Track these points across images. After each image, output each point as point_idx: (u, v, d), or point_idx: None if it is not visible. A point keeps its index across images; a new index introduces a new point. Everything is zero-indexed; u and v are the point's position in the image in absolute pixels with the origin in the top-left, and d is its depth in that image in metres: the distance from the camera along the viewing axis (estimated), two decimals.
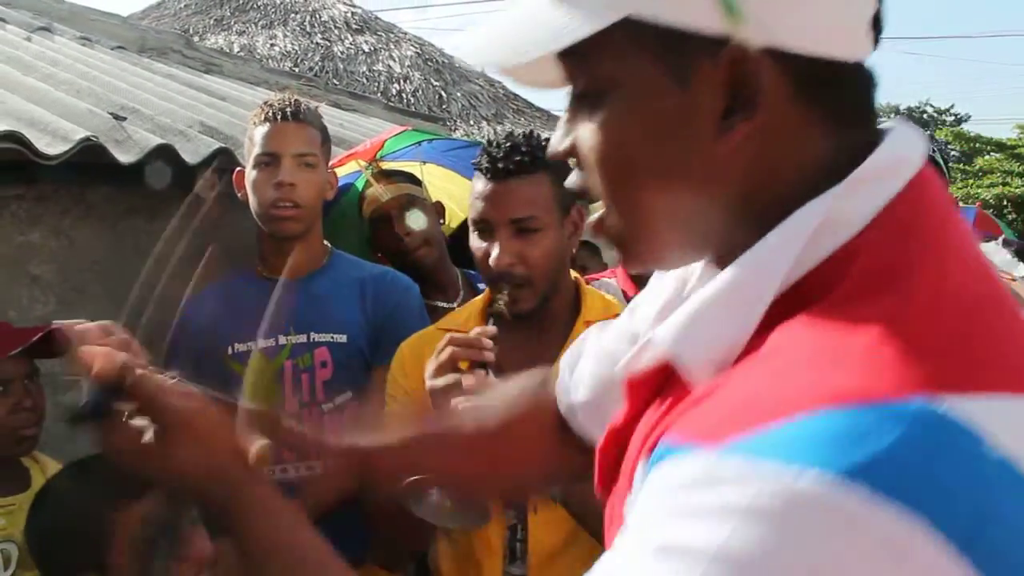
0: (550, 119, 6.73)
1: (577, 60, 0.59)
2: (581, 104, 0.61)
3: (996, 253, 2.17)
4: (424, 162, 2.51)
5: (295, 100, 1.82)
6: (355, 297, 1.87)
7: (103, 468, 0.87)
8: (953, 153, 30.62)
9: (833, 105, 0.56)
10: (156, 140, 1.96)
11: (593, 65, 0.58)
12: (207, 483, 0.75)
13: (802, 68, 0.54)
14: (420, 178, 2.28)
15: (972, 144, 23.60)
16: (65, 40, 3.14)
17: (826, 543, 0.44)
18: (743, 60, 0.53)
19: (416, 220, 2.12)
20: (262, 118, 1.79)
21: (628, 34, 0.55)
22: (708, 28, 0.53)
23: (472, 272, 2.38)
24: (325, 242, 1.94)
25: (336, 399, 1.82)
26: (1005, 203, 20.94)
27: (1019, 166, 21.38)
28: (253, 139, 1.80)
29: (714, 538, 0.44)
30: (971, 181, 22.62)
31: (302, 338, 1.81)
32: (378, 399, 1.86)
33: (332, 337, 1.83)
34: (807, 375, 0.49)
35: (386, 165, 2.38)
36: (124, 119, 2.02)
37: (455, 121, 6.12)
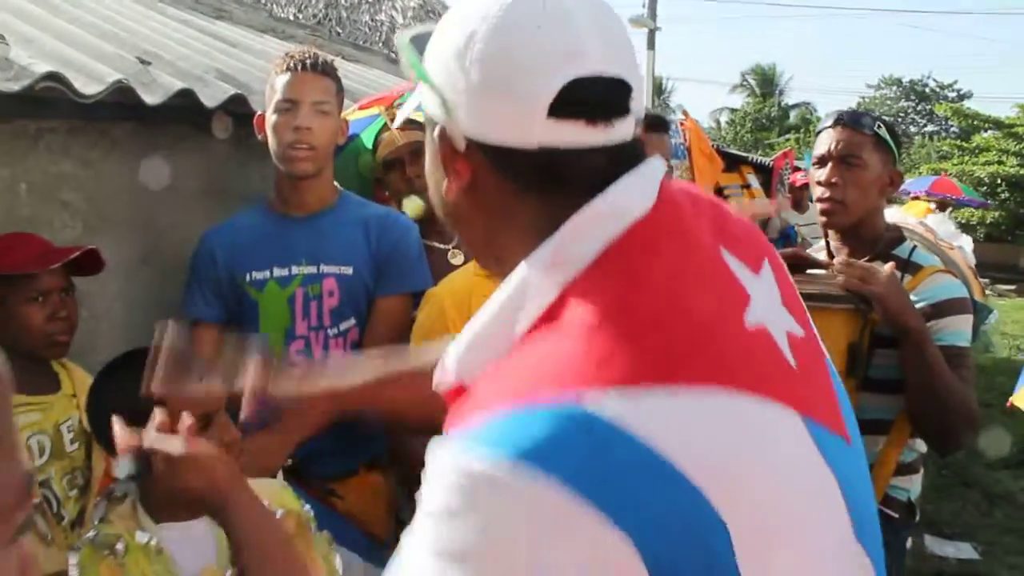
0: None
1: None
2: None
3: (941, 224, 2.36)
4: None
5: (314, 52, 2.00)
6: (360, 234, 2.06)
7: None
8: (952, 130, 30.54)
9: (525, 179, 0.75)
10: (179, 84, 2.14)
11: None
12: (207, 499, 1.12)
13: (490, 150, 0.76)
14: None
15: (971, 121, 23.61)
16: None
17: (502, 510, 0.62)
18: (448, 138, 0.77)
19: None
20: (284, 68, 1.96)
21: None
22: (436, 115, 0.79)
23: None
24: (335, 183, 2.13)
25: (341, 325, 2.04)
26: (999, 181, 21.09)
27: (1016, 145, 21.45)
28: (275, 86, 1.98)
29: (428, 523, 0.65)
30: (967, 158, 22.70)
31: (312, 269, 2.02)
32: (377, 326, 2.06)
33: (339, 269, 2.03)
34: (498, 386, 0.69)
35: (401, 113, 2.56)
36: (149, 63, 2.19)
37: None
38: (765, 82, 37.62)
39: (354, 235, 2.05)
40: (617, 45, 0.76)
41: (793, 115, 35.88)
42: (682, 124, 5.92)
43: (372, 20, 7.68)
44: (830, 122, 2.18)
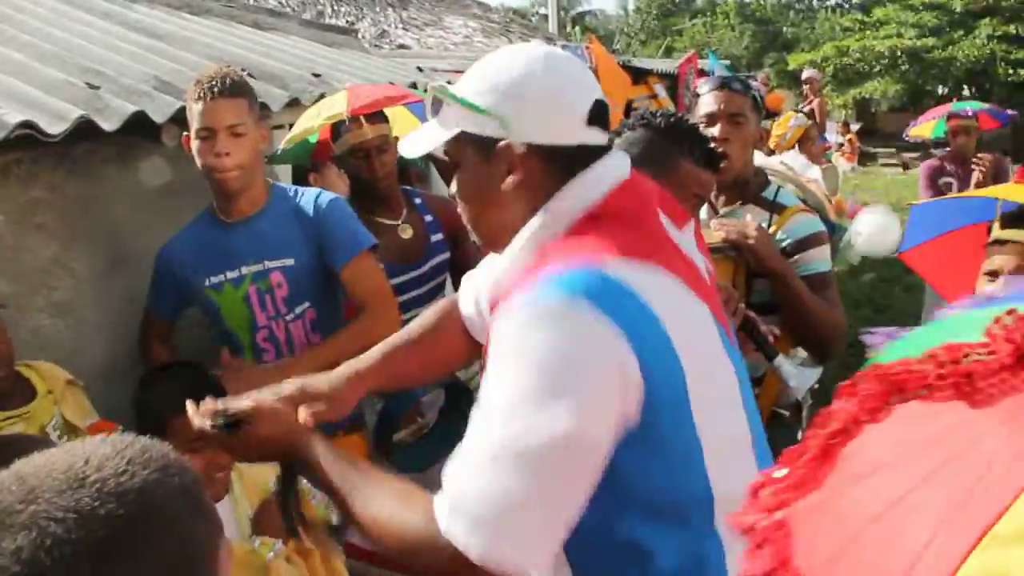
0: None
1: (445, 148, 1.27)
2: (453, 167, 1.29)
3: (795, 159, 2.77)
4: None
5: (223, 76, 2.18)
6: (294, 224, 2.33)
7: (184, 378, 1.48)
8: (855, 2, 30.95)
9: (564, 163, 1.22)
10: (130, 107, 2.36)
11: (448, 151, 1.27)
12: (287, 449, 1.31)
13: (546, 149, 1.20)
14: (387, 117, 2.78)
15: None
16: None
17: (568, 325, 1.06)
18: (511, 147, 1.20)
19: (390, 156, 2.67)
20: (196, 96, 2.17)
21: (461, 139, 1.23)
22: (494, 133, 1.20)
23: (408, 188, 3.00)
24: (267, 179, 2.39)
25: (296, 309, 2.34)
26: (899, 54, 21.79)
27: (914, 17, 22.11)
28: (192, 113, 2.20)
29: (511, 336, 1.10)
30: (868, 33, 23.31)
31: (259, 267, 2.30)
32: (356, 289, 2.32)
33: (282, 262, 2.30)
34: (546, 266, 1.13)
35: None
36: (98, 87, 2.41)
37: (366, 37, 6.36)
38: None
39: (289, 227, 2.31)
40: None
41: None
42: (587, 48, 6.19)
43: None
44: (714, 85, 2.55)
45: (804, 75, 9.82)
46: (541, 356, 1.04)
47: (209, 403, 1.34)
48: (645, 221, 1.21)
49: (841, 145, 12.74)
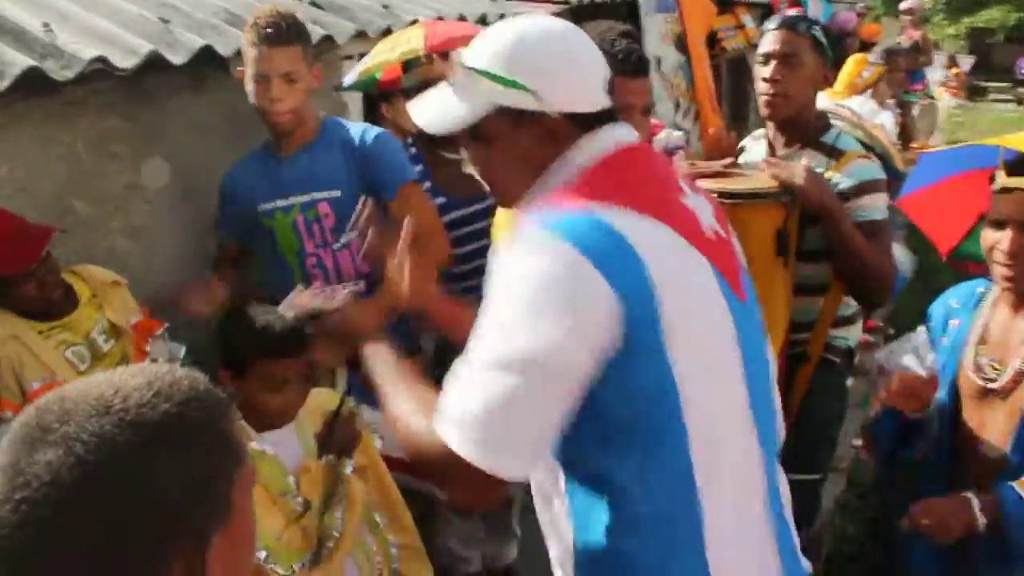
0: None
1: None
2: (475, 138, 1.35)
3: (863, 105, 2.69)
4: None
5: (277, 22, 2.25)
6: (342, 157, 2.43)
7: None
8: None
9: (586, 125, 1.31)
10: (199, 41, 2.47)
11: (477, 125, 1.33)
12: (356, 339, 1.56)
13: (575, 116, 1.30)
14: None
15: None
16: None
17: (549, 255, 1.16)
18: (545, 114, 1.28)
19: None
20: (252, 41, 2.26)
21: (493, 113, 1.30)
22: (530, 106, 1.26)
23: None
24: (319, 113, 2.48)
25: (342, 239, 2.44)
26: None
27: None
28: (246, 56, 2.31)
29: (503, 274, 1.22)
30: None
31: (306, 198, 2.43)
32: (410, 214, 2.42)
33: (328, 193, 2.43)
34: (550, 207, 1.23)
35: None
36: (169, 21, 2.51)
37: None
38: None
39: (336, 161, 2.43)
40: None
41: None
42: None
43: None
44: (774, 24, 2.50)
45: (902, 5, 9.31)
46: (526, 281, 1.17)
47: (304, 294, 1.72)
48: (643, 177, 1.31)
49: (946, 81, 12.10)
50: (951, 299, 2.05)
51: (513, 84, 1.27)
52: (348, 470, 1.91)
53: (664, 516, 1.20)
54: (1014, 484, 1.73)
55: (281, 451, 1.86)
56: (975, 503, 1.74)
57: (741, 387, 1.29)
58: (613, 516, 1.21)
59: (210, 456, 0.80)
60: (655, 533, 1.20)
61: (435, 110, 1.39)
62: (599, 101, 1.32)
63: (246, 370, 1.85)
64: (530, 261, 1.18)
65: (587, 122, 1.31)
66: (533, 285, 1.16)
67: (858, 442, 3.09)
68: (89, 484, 0.73)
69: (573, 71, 1.31)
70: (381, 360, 1.46)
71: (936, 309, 2.07)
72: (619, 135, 1.34)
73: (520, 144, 1.31)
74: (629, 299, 1.15)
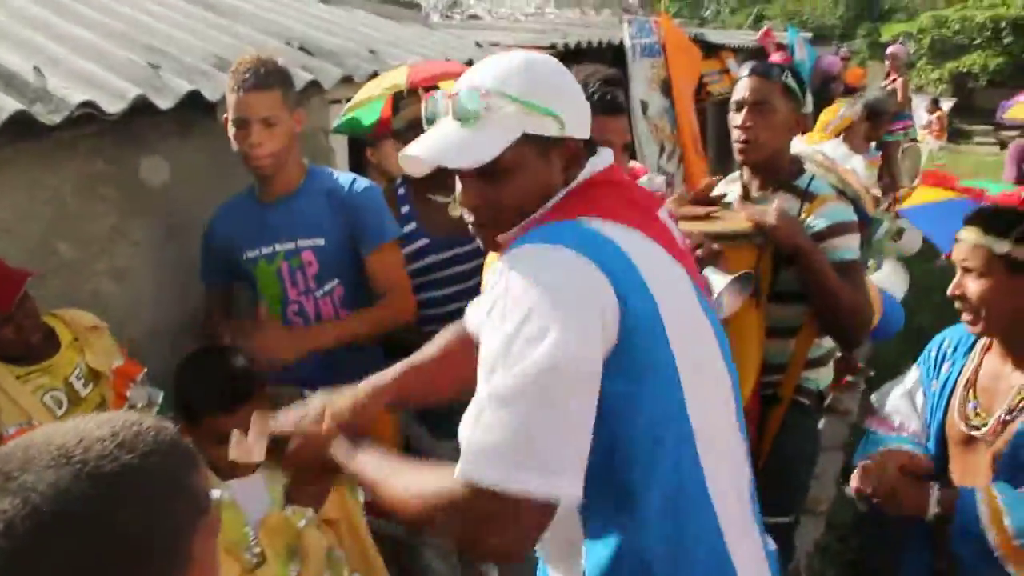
0: None
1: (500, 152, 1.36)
2: (481, 175, 1.34)
3: (836, 149, 2.76)
4: None
5: (256, 68, 2.28)
6: (326, 206, 2.45)
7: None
8: None
9: (592, 149, 1.40)
10: (186, 86, 2.51)
11: (501, 157, 1.32)
12: (324, 461, 1.50)
13: (583, 141, 1.37)
14: None
15: None
16: None
17: (548, 263, 1.20)
18: (567, 142, 1.33)
19: None
20: (232, 86, 2.30)
21: (520, 142, 1.31)
22: (555, 132, 1.32)
23: None
24: (304, 160, 2.51)
25: (325, 286, 2.48)
26: (1003, 26, 20.70)
27: None
28: (228, 103, 2.34)
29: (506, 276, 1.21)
30: (970, 2, 22.21)
31: (291, 245, 2.45)
32: (378, 277, 2.47)
33: (313, 241, 2.45)
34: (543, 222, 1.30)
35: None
36: (158, 67, 2.56)
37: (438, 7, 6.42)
38: None
39: (321, 209, 2.45)
40: None
41: None
42: (656, 22, 6.14)
43: None
44: (746, 71, 2.56)
45: (888, 51, 9.50)
46: (535, 292, 1.15)
47: (258, 420, 1.60)
48: (624, 196, 1.37)
49: (929, 123, 12.29)
50: (946, 339, 2.09)
51: (547, 111, 1.28)
52: (301, 523, 1.83)
53: (674, 508, 1.23)
54: (978, 488, 1.78)
55: (246, 500, 1.83)
56: (935, 493, 1.83)
57: (726, 386, 1.36)
58: (627, 520, 1.23)
59: (171, 507, 0.80)
60: (666, 526, 1.23)
61: (449, 146, 1.30)
62: (588, 129, 1.39)
63: (197, 422, 1.87)
64: (517, 269, 1.19)
65: (589, 146, 1.39)
66: (543, 294, 1.15)
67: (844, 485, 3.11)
68: (43, 534, 0.73)
69: (580, 97, 1.37)
70: (354, 457, 1.43)
71: (931, 349, 2.11)
72: (604, 157, 1.41)
73: (540, 172, 1.32)
74: (630, 300, 1.19)
